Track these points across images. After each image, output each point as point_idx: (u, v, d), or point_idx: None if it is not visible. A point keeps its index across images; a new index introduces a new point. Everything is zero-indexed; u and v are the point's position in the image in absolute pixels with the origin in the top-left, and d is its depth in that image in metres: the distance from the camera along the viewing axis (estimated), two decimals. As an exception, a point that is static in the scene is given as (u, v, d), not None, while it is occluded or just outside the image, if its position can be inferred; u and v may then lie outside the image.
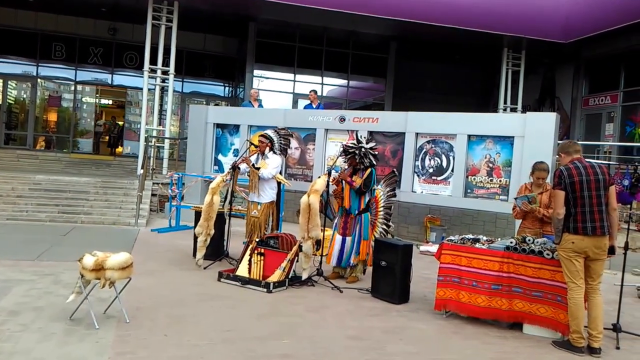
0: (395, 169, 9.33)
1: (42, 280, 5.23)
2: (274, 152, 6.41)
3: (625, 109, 13.69)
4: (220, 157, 10.58)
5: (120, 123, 16.69)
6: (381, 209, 6.28)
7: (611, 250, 4.25)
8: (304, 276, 5.68)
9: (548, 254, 4.39)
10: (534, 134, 7.92)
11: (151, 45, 11.97)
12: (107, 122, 16.80)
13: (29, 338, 3.75)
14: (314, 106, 10.89)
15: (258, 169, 6.20)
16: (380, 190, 6.35)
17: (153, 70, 12.07)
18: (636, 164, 5.78)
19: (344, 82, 16.52)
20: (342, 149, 6.12)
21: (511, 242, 4.58)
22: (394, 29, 14.12)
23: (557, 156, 4.50)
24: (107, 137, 16.58)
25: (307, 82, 16.16)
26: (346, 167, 6.16)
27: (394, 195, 6.46)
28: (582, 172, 4.15)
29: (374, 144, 6.43)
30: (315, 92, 11.29)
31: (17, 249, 6.68)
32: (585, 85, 15.12)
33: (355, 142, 6.07)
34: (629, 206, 5.28)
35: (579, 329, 4.14)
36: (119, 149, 16.33)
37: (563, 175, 4.17)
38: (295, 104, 15.74)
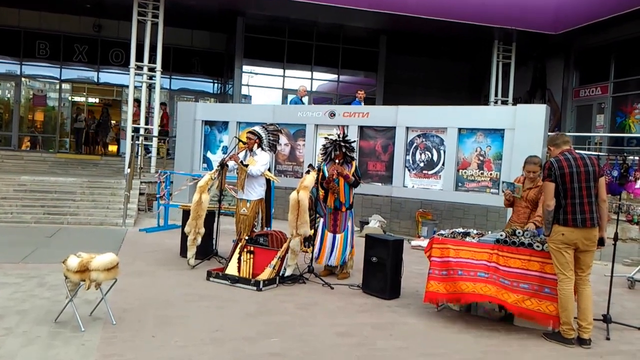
0: (386, 164, 9.36)
1: (26, 283, 5.13)
2: (263, 149, 6.34)
3: (615, 100, 13.74)
4: (209, 154, 10.49)
5: (104, 119, 16.12)
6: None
7: (601, 242, 4.24)
8: (288, 272, 5.61)
9: (538, 246, 4.36)
10: (524, 126, 7.91)
11: (137, 41, 11.81)
12: (86, 118, 15.76)
13: (13, 342, 3.67)
14: (363, 104, 10.82)
15: (246, 166, 6.12)
16: None
17: (139, 67, 11.93)
18: (625, 154, 5.78)
19: (334, 76, 16.45)
20: (329, 143, 6.03)
21: (501, 235, 4.55)
22: (383, 22, 14.06)
23: (547, 149, 4.48)
24: (84, 135, 15.58)
25: (297, 78, 16.07)
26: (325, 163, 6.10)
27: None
28: (572, 163, 4.13)
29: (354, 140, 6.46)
30: (363, 90, 11.19)
31: (1, 251, 6.55)
32: (576, 77, 15.16)
33: (338, 136, 6.02)
34: (618, 197, 5.26)
35: (569, 321, 4.13)
36: (100, 148, 15.49)
37: (553, 167, 4.15)
38: (285, 99, 15.65)
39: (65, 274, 3.99)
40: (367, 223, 9.08)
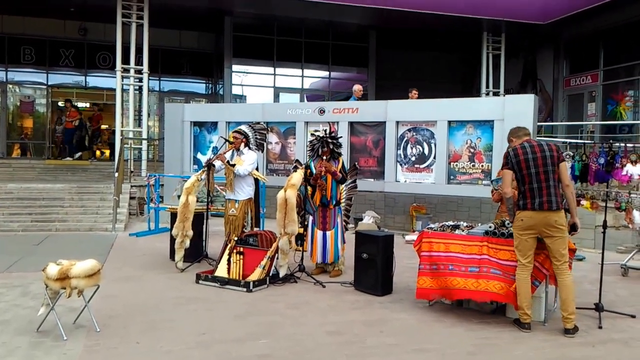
0: (378, 159, 9.28)
1: (10, 293, 5.04)
2: (250, 148, 6.25)
3: (605, 88, 13.73)
4: (199, 155, 10.39)
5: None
6: (343, 200, 6.17)
7: (573, 228, 4.24)
8: (281, 273, 5.55)
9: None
10: (513, 117, 7.81)
11: (123, 44, 11.69)
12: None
13: (-8, 354, 3.59)
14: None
15: (233, 165, 6.03)
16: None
17: (126, 70, 11.81)
18: (611, 141, 5.73)
19: (325, 73, 16.35)
20: (316, 139, 5.95)
21: (490, 227, 4.50)
22: (372, 17, 13.99)
23: (509, 141, 4.59)
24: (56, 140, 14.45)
25: (288, 75, 15.99)
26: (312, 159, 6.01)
27: (355, 187, 6.39)
28: (528, 150, 4.21)
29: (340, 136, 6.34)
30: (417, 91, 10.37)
31: (-13, 261, 6.45)
32: (566, 66, 15.14)
33: (324, 132, 5.94)
34: (606, 184, 5.21)
35: (522, 305, 4.19)
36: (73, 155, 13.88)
37: (510, 155, 4.30)
38: (276, 97, 15.55)
39: (45, 282, 3.90)
40: (362, 219, 9.01)
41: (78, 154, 13.73)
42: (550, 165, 4.14)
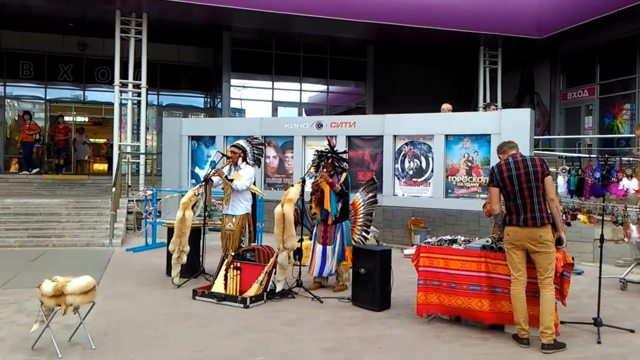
0: (376, 173, 9.28)
1: (4, 310, 4.99)
2: (247, 163, 6.25)
3: (602, 102, 13.80)
4: (197, 170, 10.39)
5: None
6: (361, 215, 6.18)
7: (559, 242, 4.25)
8: (278, 288, 5.52)
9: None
10: (510, 130, 7.85)
11: (122, 58, 11.76)
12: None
13: (-15, 373, 3.55)
14: None
15: (231, 180, 6.03)
16: (359, 197, 6.23)
17: (124, 85, 11.85)
18: (606, 155, 5.74)
19: (323, 87, 16.42)
20: (317, 154, 5.99)
21: (487, 241, 4.50)
22: (370, 32, 14.09)
23: (498, 157, 4.59)
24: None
25: (286, 90, 16.06)
26: (315, 173, 6.04)
27: (376, 202, 6.33)
28: (512, 167, 4.25)
29: (345, 150, 6.38)
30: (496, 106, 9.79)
31: (-18, 278, 6.40)
32: (563, 80, 15.23)
33: (328, 147, 5.97)
34: (602, 198, 5.21)
35: (519, 321, 4.18)
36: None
37: (494, 172, 4.35)
38: (275, 111, 15.61)
39: (40, 299, 3.87)
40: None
41: (35, 170, 13.38)
42: (534, 181, 4.16)
